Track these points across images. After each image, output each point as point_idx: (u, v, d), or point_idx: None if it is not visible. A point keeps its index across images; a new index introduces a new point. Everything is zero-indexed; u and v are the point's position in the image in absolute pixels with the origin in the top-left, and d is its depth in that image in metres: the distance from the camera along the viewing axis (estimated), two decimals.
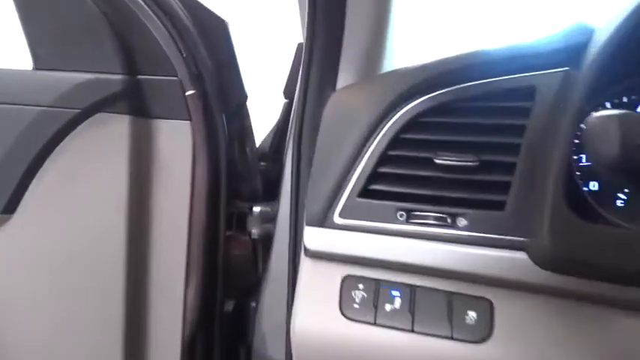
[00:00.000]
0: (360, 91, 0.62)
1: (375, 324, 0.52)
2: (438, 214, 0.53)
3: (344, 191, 0.57)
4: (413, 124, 0.55)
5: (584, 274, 0.48)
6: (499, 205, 0.52)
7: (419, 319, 0.51)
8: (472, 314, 0.51)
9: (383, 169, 0.56)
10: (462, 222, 0.53)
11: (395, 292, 0.53)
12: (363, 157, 0.56)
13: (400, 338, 0.51)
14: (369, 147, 0.56)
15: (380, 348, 0.51)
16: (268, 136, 0.94)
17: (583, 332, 0.48)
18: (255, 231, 0.82)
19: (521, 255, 0.51)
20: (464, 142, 0.54)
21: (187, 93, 0.69)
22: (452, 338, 0.50)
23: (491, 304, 0.51)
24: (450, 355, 0.50)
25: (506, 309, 0.51)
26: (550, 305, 0.50)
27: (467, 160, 0.52)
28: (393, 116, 0.56)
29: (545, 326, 0.49)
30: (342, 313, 0.53)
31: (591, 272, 0.47)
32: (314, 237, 0.57)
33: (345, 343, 0.52)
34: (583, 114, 0.48)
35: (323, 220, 0.57)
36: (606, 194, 0.51)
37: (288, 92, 0.83)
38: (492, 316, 0.50)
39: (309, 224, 0.58)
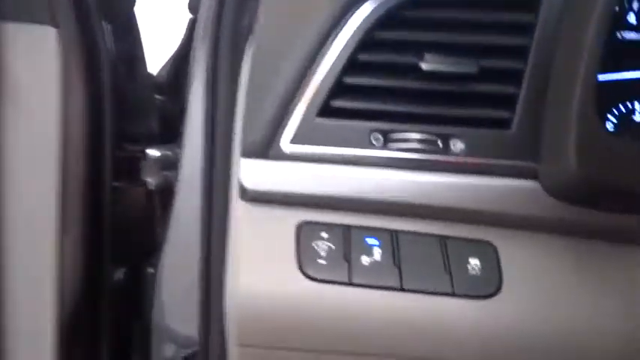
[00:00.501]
0: None
1: (350, 283, 0.38)
2: (426, 136, 0.40)
3: (296, 109, 0.41)
4: (391, 18, 0.41)
5: (610, 205, 0.38)
6: (504, 124, 0.40)
7: (408, 273, 0.38)
8: (475, 262, 0.39)
9: (351, 79, 0.41)
10: (456, 145, 0.40)
11: (371, 241, 0.40)
12: (322, 62, 0.41)
13: (386, 299, 0.38)
14: (331, 49, 0.41)
15: (359, 313, 0.38)
16: (167, 63, 0.75)
17: (605, 275, 0.39)
18: (151, 180, 0.65)
19: (531, 184, 0.40)
20: (459, 44, 0.41)
21: None
22: (454, 294, 0.37)
23: (495, 248, 0.40)
24: (452, 315, 0.37)
25: (514, 253, 0.40)
26: (564, 244, 0.40)
27: (464, 67, 0.40)
28: (362, 8, 0.41)
29: (561, 270, 0.39)
30: (303, 272, 0.38)
31: (620, 202, 0.38)
32: (254, 172, 0.41)
33: (310, 310, 0.38)
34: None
35: (266, 149, 0.42)
36: None
37: (194, 4, 0.65)
38: (499, 264, 0.39)
39: (246, 155, 0.42)
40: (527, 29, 0.41)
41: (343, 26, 0.41)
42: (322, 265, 0.38)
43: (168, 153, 0.71)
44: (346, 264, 0.38)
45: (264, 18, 0.44)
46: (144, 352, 0.79)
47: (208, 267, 0.59)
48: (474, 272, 0.38)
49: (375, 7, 0.41)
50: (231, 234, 0.43)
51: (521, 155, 0.40)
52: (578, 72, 0.36)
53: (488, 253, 0.39)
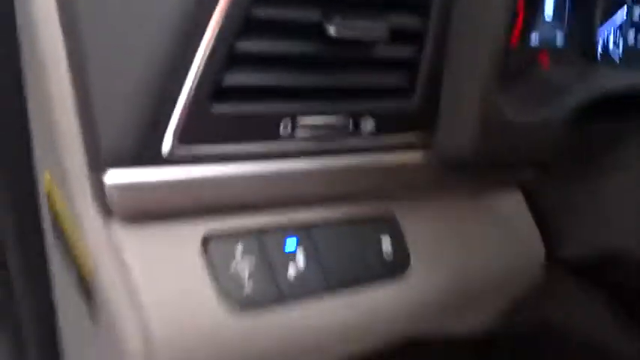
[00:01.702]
0: None
1: (283, 301, 0.34)
2: (337, 119, 0.35)
3: (178, 96, 0.30)
4: None
5: (495, 166, 0.41)
6: (406, 93, 0.38)
7: (334, 272, 0.36)
8: (386, 242, 0.39)
9: (245, 46, 0.31)
10: (368, 125, 0.37)
11: (290, 244, 0.35)
12: (205, 28, 0.30)
13: (315, 307, 0.35)
14: (212, 6, 0.30)
15: (297, 332, 0.35)
16: None
17: (489, 221, 0.44)
18: None
19: (427, 154, 0.40)
20: (362, 1, 0.34)
21: None
22: (378, 281, 0.37)
23: (396, 221, 0.40)
24: (379, 300, 0.38)
25: (413, 222, 0.41)
26: (453, 204, 0.43)
27: (376, 30, 0.34)
28: None
29: (450, 228, 0.42)
30: (231, 304, 0.32)
31: (501, 163, 0.41)
32: (129, 185, 0.30)
33: (251, 348, 0.33)
34: None
35: (141, 154, 0.30)
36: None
37: None
38: (403, 236, 0.40)
39: (112, 164, 0.30)
40: None
41: None
42: (249, 289, 0.33)
43: None
44: (273, 280, 0.34)
45: None
46: None
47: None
48: (387, 253, 0.39)
49: None
50: (102, 268, 0.32)
51: (421, 127, 0.39)
52: (484, 41, 0.36)
53: (395, 229, 0.39)
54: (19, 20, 0.34)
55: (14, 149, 0.40)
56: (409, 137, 0.38)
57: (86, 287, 0.37)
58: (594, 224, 0.44)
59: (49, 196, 0.40)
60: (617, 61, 0.67)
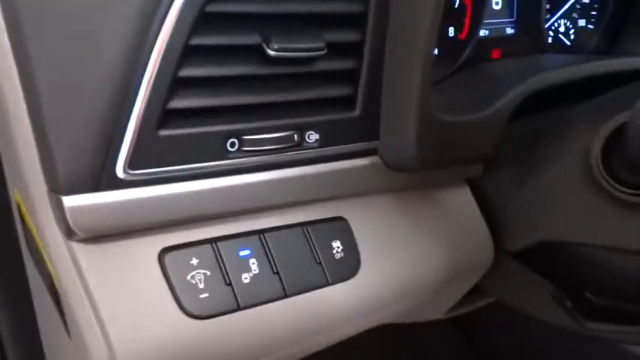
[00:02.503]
0: None
1: (239, 308, 0.36)
2: (282, 133, 0.37)
3: (127, 123, 0.32)
4: None
5: (439, 167, 0.44)
6: (349, 104, 0.40)
7: (287, 277, 0.39)
8: (337, 244, 0.41)
9: (187, 72, 0.33)
10: (312, 137, 0.39)
11: (244, 252, 0.38)
12: (149, 55, 0.32)
13: (272, 312, 0.38)
14: (156, 34, 0.31)
15: (252, 336, 0.37)
16: None
17: (434, 217, 0.47)
18: None
19: (372, 159, 0.42)
20: (298, 15, 0.36)
21: None
22: (330, 283, 0.40)
23: (346, 222, 0.43)
24: (332, 302, 0.41)
25: (362, 223, 0.43)
26: (397, 202, 0.45)
27: (313, 47, 0.36)
28: None
29: (400, 226, 0.45)
30: (188, 313, 0.35)
31: (446, 163, 0.44)
32: (87, 208, 0.32)
33: (207, 353, 0.36)
34: None
35: (96, 180, 0.32)
36: None
37: None
38: (353, 237, 0.42)
39: (68, 192, 0.32)
40: None
41: (170, 3, 0.32)
42: (205, 298, 0.35)
43: None
44: (229, 288, 0.36)
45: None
46: None
47: None
48: (339, 254, 0.41)
49: None
50: (63, 281, 0.35)
51: (366, 136, 0.41)
52: (414, 53, 0.38)
53: (344, 230, 0.42)
54: None
55: None
56: (354, 145, 0.41)
57: (57, 299, 0.39)
58: (535, 217, 0.47)
59: (20, 210, 0.42)
60: (568, 46, 0.69)
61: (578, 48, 0.70)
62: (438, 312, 0.59)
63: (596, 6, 0.70)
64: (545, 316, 0.55)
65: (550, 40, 0.67)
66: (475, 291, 0.60)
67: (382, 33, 0.39)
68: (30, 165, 0.33)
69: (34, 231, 0.39)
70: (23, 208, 0.40)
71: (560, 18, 0.68)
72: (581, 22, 0.70)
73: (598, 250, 0.44)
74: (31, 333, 0.52)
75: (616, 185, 0.40)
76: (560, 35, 0.69)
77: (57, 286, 0.37)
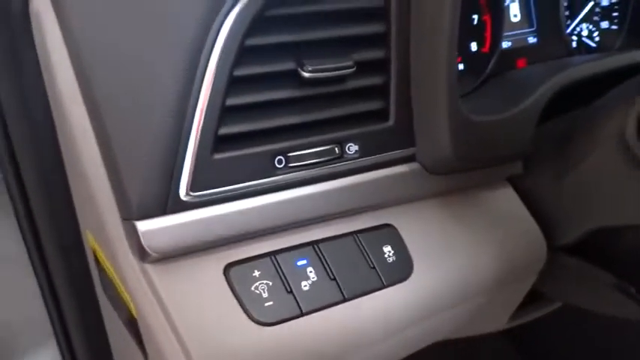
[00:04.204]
0: None
1: (302, 314, 0.39)
2: (324, 147, 0.41)
3: (186, 151, 0.36)
4: (259, 22, 0.37)
5: (477, 167, 0.46)
6: (383, 116, 0.43)
7: (343, 282, 0.41)
8: (388, 249, 0.43)
9: (233, 101, 0.37)
10: (352, 149, 0.42)
11: (301, 262, 0.40)
12: (200, 89, 0.36)
13: (332, 316, 0.40)
14: (205, 70, 0.36)
15: (316, 341, 0.39)
16: None
17: (479, 218, 0.48)
18: None
19: (412, 166, 0.44)
20: (327, 40, 0.40)
21: None
22: (385, 286, 0.42)
23: (394, 229, 0.45)
24: (388, 305, 0.42)
25: (410, 228, 0.45)
26: (446, 206, 0.47)
27: (343, 66, 0.40)
28: (229, 13, 0.36)
29: (448, 230, 0.47)
30: (256, 321, 0.37)
31: (480, 165, 0.46)
32: (158, 231, 0.36)
33: (277, 354, 0.38)
34: None
35: (164, 205, 0.36)
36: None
37: None
38: (403, 241, 0.44)
39: (142, 217, 0.36)
40: (381, 14, 0.42)
41: (215, 38, 0.36)
42: (270, 306, 0.38)
43: None
44: (290, 295, 0.39)
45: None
46: None
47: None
48: (391, 258, 0.43)
49: (241, 10, 0.36)
50: (140, 304, 0.38)
51: (402, 144, 0.43)
52: (439, 64, 0.41)
53: (394, 236, 0.44)
54: (50, 92, 0.41)
55: (62, 209, 0.47)
56: (392, 154, 0.43)
57: (135, 328, 0.42)
58: (581, 206, 0.47)
59: (94, 253, 0.46)
60: (594, 48, 0.71)
61: (605, 49, 0.71)
62: (498, 321, 0.59)
63: (616, 7, 0.72)
64: (608, 310, 0.54)
65: (575, 44, 0.69)
66: (535, 298, 0.60)
67: (405, 49, 0.42)
68: (103, 199, 0.38)
69: (107, 265, 0.43)
70: (97, 247, 0.44)
71: (581, 22, 0.69)
72: (604, 24, 0.72)
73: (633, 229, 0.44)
74: None
75: None
76: (584, 39, 0.70)
77: (134, 312, 0.40)
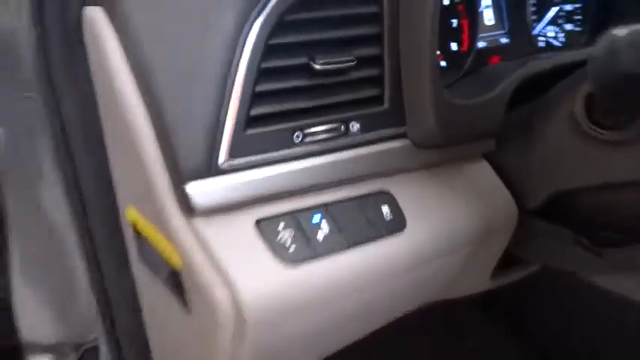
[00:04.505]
0: None
1: (318, 256, 0.48)
2: (332, 125, 0.50)
3: (224, 126, 0.46)
4: (281, 24, 0.47)
5: (457, 143, 0.56)
6: (379, 100, 0.53)
7: (349, 233, 0.50)
8: (385, 209, 0.53)
9: (261, 88, 0.47)
10: (355, 127, 0.52)
11: (316, 218, 0.50)
12: (235, 78, 0.46)
13: (342, 259, 0.50)
14: (239, 63, 0.46)
15: (332, 279, 0.49)
16: None
17: (459, 184, 0.59)
18: None
19: (404, 142, 0.54)
20: (334, 40, 0.50)
21: None
22: (384, 236, 0.52)
23: (390, 194, 0.54)
24: (386, 252, 0.52)
25: (403, 193, 0.55)
26: (433, 177, 0.57)
27: (346, 60, 0.50)
28: (258, 17, 0.46)
29: (434, 194, 0.57)
30: (284, 262, 0.47)
31: (472, 137, 0.56)
32: (203, 191, 0.46)
33: (299, 292, 0.47)
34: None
35: (208, 169, 0.46)
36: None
37: None
38: (397, 204, 0.54)
39: (189, 179, 0.45)
40: (376, 19, 0.52)
41: (247, 36, 0.46)
42: (293, 250, 0.47)
43: None
44: (309, 243, 0.48)
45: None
46: None
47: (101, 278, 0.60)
48: (388, 216, 0.53)
49: (267, 15, 0.46)
50: (187, 252, 0.47)
51: (395, 123, 0.53)
52: (421, 55, 0.51)
53: (390, 199, 0.54)
54: (93, 67, 0.50)
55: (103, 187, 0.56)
56: (387, 131, 0.53)
57: (176, 280, 0.51)
58: (543, 174, 0.58)
59: (134, 225, 0.56)
60: (560, 47, 0.81)
61: (570, 48, 0.82)
62: (480, 279, 0.69)
63: (579, 11, 0.83)
64: (571, 265, 0.64)
65: (543, 44, 0.80)
66: (512, 263, 0.70)
67: (396, 47, 0.52)
68: (156, 169, 0.47)
69: (151, 231, 0.52)
70: (139, 217, 0.53)
71: (547, 25, 0.80)
72: (568, 27, 0.83)
73: (597, 189, 0.54)
74: (140, 330, 0.64)
75: (596, 128, 0.51)
76: (551, 39, 0.81)
77: (179, 263, 0.49)
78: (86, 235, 0.61)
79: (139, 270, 0.60)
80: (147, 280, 0.59)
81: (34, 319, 0.75)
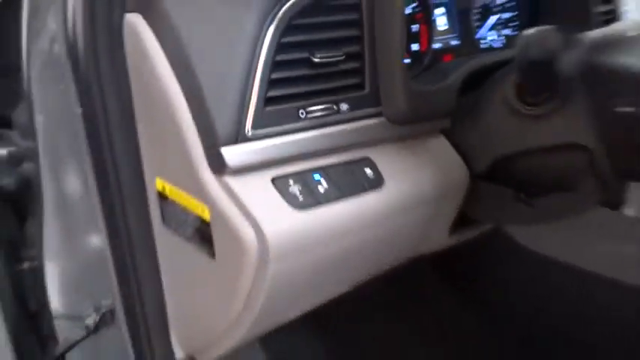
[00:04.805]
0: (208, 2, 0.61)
1: (320, 203, 0.63)
2: (328, 105, 0.66)
3: (249, 105, 0.60)
4: (289, 27, 0.62)
5: (427, 120, 0.73)
6: (361, 86, 0.69)
7: (341, 187, 0.66)
8: (368, 170, 0.69)
9: (275, 75, 0.62)
10: (344, 107, 0.67)
11: (316, 176, 0.65)
12: (257, 68, 0.60)
13: (337, 207, 0.65)
14: (259, 56, 0.60)
15: (330, 221, 0.64)
16: None
17: (424, 151, 0.75)
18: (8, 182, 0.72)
19: (381, 119, 0.70)
20: (329, 40, 0.65)
21: None
22: (367, 190, 0.67)
23: (371, 159, 0.70)
24: (369, 203, 0.67)
25: (381, 159, 0.71)
26: (404, 148, 0.73)
27: (336, 55, 0.65)
28: (272, 22, 0.61)
29: (404, 160, 0.73)
30: (295, 208, 0.62)
31: (432, 117, 0.73)
32: (233, 154, 0.60)
33: (308, 230, 0.62)
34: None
35: (237, 137, 0.60)
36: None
37: None
38: (377, 167, 0.70)
39: (224, 144, 0.60)
40: (357, 24, 0.68)
41: (265, 37, 0.61)
42: (302, 200, 0.62)
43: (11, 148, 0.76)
44: (312, 193, 0.63)
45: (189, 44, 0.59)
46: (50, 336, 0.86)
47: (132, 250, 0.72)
48: (371, 176, 0.68)
49: (279, 20, 0.61)
50: (219, 203, 0.61)
51: (374, 104, 0.69)
52: (391, 53, 0.67)
53: (371, 163, 0.70)
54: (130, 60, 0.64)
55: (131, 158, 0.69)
56: (368, 111, 0.69)
57: (203, 231, 0.65)
58: (486, 143, 0.75)
59: (162, 193, 0.69)
60: (501, 47, 1.00)
61: (507, 48, 1.00)
62: (443, 235, 0.86)
63: (515, 19, 1.01)
64: (513, 220, 0.82)
65: (485, 45, 0.97)
66: (466, 223, 0.87)
67: (373, 46, 0.68)
68: (192, 137, 0.60)
69: (180, 193, 0.65)
70: (167, 185, 0.67)
71: (488, 30, 0.98)
72: (506, 31, 1.01)
73: (526, 154, 0.71)
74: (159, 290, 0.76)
75: (523, 106, 0.68)
76: (491, 42, 0.99)
77: (209, 216, 0.63)
78: (116, 206, 0.73)
79: (161, 235, 0.73)
80: (168, 242, 0.73)
81: (61, 287, 0.86)
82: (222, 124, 0.60)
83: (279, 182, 0.63)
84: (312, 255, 0.64)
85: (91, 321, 0.84)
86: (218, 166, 0.60)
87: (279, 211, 0.61)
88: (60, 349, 0.88)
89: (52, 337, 0.91)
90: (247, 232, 0.60)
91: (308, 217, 0.62)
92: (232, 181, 0.61)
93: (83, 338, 0.85)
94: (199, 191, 0.63)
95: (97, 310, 0.84)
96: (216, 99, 0.59)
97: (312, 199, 0.63)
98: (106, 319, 0.84)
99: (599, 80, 0.62)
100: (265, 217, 0.60)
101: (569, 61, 0.64)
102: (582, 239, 1.12)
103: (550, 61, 0.60)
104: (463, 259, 1.21)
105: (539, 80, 0.63)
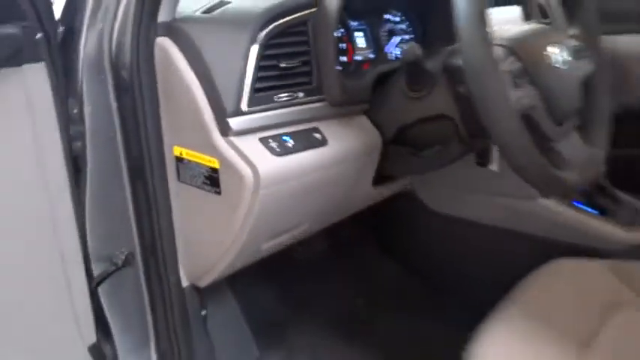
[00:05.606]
0: (218, 24, 0.99)
1: (291, 152, 1.02)
2: (292, 94, 1.05)
3: (244, 92, 0.99)
4: (267, 45, 1.01)
5: (353, 104, 1.14)
6: (310, 81, 1.09)
7: (301, 144, 1.05)
8: (317, 135, 1.09)
9: (259, 75, 1.01)
10: (300, 94, 1.07)
11: (286, 137, 1.04)
12: (248, 69, 0.99)
13: (300, 155, 1.04)
14: (250, 61, 0.99)
15: (296, 164, 1.03)
16: None
17: (352, 126, 1.16)
18: None
19: (325, 103, 1.11)
20: (291, 53, 1.05)
21: None
22: (316, 147, 1.07)
23: (319, 128, 1.10)
24: (319, 154, 1.07)
25: (325, 128, 1.11)
26: (337, 122, 1.14)
27: (295, 63, 1.05)
28: (256, 42, 1.00)
29: (340, 129, 1.13)
30: (274, 155, 1.00)
31: (356, 102, 1.14)
32: (235, 123, 0.98)
33: (284, 168, 1.00)
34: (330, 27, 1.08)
35: (237, 112, 0.98)
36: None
37: None
38: (323, 133, 1.10)
39: (229, 116, 0.97)
40: (306, 44, 1.08)
41: (253, 49, 0.99)
42: (279, 150, 1.01)
43: None
44: (285, 146, 1.02)
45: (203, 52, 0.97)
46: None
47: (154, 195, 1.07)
48: (319, 138, 1.08)
49: (262, 38, 1.00)
50: (226, 154, 0.98)
51: (319, 93, 1.09)
52: (328, 62, 1.08)
53: (319, 131, 1.09)
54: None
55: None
56: (315, 97, 1.09)
57: (214, 177, 1.02)
58: (391, 117, 1.17)
59: (179, 156, 1.06)
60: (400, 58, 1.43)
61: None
62: (368, 187, 1.27)
63: (412, 39, 1.45)
64: (412, 171, 1.24)
65: (392, 57, 1.40)
66: (385, 181, 1.28)
67: (317, 56, 1.09)
68: (205, 109, 0.98)
69: (195, 152, 1.02)
70: (183, 150, 1.03)
71: (393, 47, 1.41)
72: (405, 47, 1.45)
73: (414, 123, 1.14)
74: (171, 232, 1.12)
75: (411, 93, 1.11)
76: (396, 54, 1.42)
77: (218, 164, 1.00)
78: (143, 170, 1.07)
79: (176, 188, 1.09)
80: (183, 192, 1.09)
81: (97, 235, 1.14)
82: (228, 104, 0.97)
83: (263, 140, 1.01)
84: (287, 185, 1.03)
85: (118, 260, 1.15)
86: (226, 130, 0.97)
87: (265, 157, 0.99)
88: (96, 279, 1.18)
89: (89, 273, 1.19)
90: (247, 172, 0.98)
91: (282, 161, 1.01)
92: (235, 140, 0.99)
93: (111, 273, 1.15)
94: (212, 149, 1.00)
95: (122, 252, 1.15)
96: (224, 89, 0.97)
97: (284, 150, 1.02)
98: (128, 260, 1.15)
99: (451, 73, 1.06)
100: (257, 160, 0.98)
101: (435, 63, 1.07)
102: (474, 198, 1.54)
103: (419, 63, 1.03)
104: (385, 221, 1.64)
105: (417, 75, 1.06)
